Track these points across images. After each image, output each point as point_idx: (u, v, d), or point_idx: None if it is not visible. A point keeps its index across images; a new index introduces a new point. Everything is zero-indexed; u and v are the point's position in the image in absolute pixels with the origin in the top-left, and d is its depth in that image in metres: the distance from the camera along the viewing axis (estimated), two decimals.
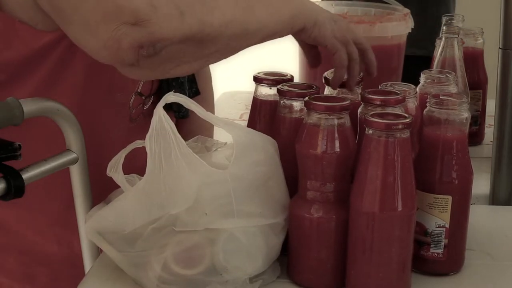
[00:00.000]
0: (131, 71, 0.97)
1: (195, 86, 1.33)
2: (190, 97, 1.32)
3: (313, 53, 1.15)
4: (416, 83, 1.19)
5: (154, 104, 1.01)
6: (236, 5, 1.00)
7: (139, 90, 1.19)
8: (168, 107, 1.24)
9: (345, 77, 1.11)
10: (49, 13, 0.99)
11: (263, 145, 1.01)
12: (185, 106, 0.99)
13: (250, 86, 1.13)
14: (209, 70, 1.46)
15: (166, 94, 0.98)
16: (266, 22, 1.03)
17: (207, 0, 0.98)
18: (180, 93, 1.00)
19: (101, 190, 1.08)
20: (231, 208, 0.96)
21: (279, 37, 1.07)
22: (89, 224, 1.02)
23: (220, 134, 1.10)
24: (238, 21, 0.99)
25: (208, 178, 0.95)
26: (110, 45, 0.91)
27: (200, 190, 0.95)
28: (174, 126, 0.95)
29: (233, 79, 2.48)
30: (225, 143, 1.09)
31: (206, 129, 1.32)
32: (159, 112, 0.95)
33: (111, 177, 1.02)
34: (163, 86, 1.24)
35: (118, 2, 0.92)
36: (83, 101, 1.12)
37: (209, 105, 1.40)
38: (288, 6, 1.06)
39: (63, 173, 1.09)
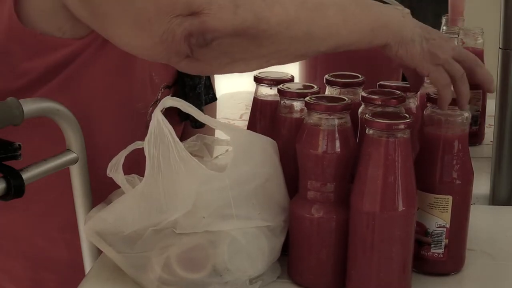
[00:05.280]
0: (188, 65, 0.95)
1: (212, 92, 1.33)
2: (207, 103, 1.32)
3: (413, 72, 1.02)
4: None
5: (171, 112, 1.01)
6: (302, 5, 0.94)
7: (158, 98, 1.18)
8: (185, 117, 1.24)
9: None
10: (85, 19, 0.99)
11: (262, 146, 1.00)
12: (182, 110, 0.99)
13: (250, 86, 1.13)
14: None
15: (164, 99, 0.97)
16: (338, 30, 0.95)
17: None
18: (197, 103, 1.00)
19: (101, 191, 1.08)
20: (230, 211, 0.96)
21: (356, 49, 0.97)
22: (89, 225, 1.02)
23: (222, 134, 1.10)
24: (302, 23, 0.93)
25: (207, 181, 0.95)
26: (165, 38, 0.91)
27: (199, 194, 0.94)
28: (173, 130, 0.95)
29: (233, 80, 2.47)
30: (226, 150, 1.08)
31: (209, 130, 1.32)
32: (157, 116, 0.94)
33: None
34: (181, 97, 1.23)
35: None
36: (101, 108, 1.11)
37: (211, 106, 1.40)
38: (369, 16, 0.97)
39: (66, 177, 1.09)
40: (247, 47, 0.94)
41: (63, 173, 1.07)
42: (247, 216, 0.97)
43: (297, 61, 1.01)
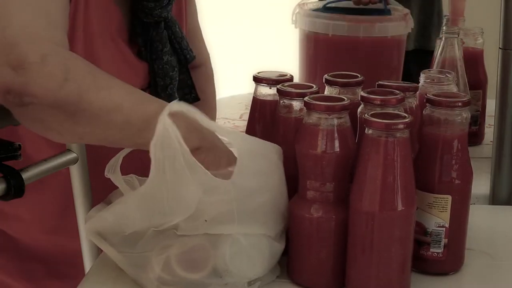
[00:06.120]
0: (14, 114, 0.92)
1: (194, 91, 1.31)
2: (189, 103, 1.31)
3: None
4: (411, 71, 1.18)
5: None
6: (128, 94, 0.94)
7: None
8: None
9: None
10: None
11: (267, 154, 0.99)
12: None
13: (250, 86, 1.13)
14: (212, 71, 1.44)
15: (170, 103, 0.95)
16: (152, 120, 0.92)
17: (101, 78, 0.92)
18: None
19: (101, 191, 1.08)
20: (232, 218, 0.95)
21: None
22: (89, 225, 1.02)
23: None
24: (123, 111, 0.92)
25: (211, 187, 0.94)
26: None
27: (202, 200, 0.94)
28: (179, 134, 0.93)
29: (233, 80, 2.48)
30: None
31: (209, 110, 1.30)
32: (164, 120, 0.92)
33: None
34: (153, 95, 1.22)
35: (10, 38, 0.88)
36: None
37: (210, 107, 1.39)
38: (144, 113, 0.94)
39: (55, 182, 1.09)
40: (63, 121, 0.90)
41: (59, 174, 1.07)
42: (250, 223, 0.97)
43: (107, 145, 0.98)
